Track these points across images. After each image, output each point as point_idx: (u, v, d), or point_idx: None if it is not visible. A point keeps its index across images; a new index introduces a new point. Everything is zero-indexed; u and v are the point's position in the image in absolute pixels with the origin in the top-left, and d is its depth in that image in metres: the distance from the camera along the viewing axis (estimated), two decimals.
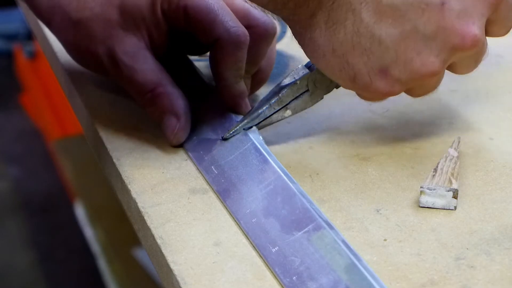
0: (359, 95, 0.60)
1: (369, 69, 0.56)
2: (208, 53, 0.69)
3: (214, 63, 0.62)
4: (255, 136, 0.58)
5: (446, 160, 0.56)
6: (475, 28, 0.55)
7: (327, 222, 0.51)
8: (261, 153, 0.57)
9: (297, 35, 0.58)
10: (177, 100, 0.60)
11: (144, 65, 0.61)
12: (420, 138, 0.61)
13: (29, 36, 2.41)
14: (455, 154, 0.57)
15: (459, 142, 0.58)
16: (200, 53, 0.68)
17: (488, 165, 0.58)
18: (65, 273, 1.85)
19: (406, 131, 0.62)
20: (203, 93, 0.64)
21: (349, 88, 0.59)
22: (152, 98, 0.60)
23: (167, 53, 0.64)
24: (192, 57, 0.69)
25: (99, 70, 0.63)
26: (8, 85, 2.50)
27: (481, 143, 0.60)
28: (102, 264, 1.67)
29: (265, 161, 0.56)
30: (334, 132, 0.62)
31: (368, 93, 0.58)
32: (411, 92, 0.59)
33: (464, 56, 0.57)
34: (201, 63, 0.70)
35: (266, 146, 0.58)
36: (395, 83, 0.57)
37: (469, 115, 0.64)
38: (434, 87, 0.59)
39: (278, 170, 0.55)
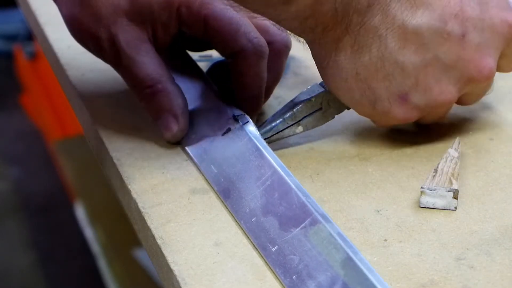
0: (374, 121, 0.61)
1: (390, 94, 0.57)
2: (207, 52, 0.69)
3: (238, 75, 0.62)
4: (250, 130, 0.58)
5: (446, 160, 0.56)
6: (491, 61, 0.57)
7: (323, 215, 0.50)
8: (257, 148, 0.57)
9: (319, 58, 0.59)
10: (177, 99, 0.60)
11: (145, 58, 0.60)
12: (420, 138, 0.61)
13: (29, 36, 2.41)
14: (456, 154, 0.57)
15: (459, 142, 0.58)
16: (198, 50, 0.68)
17: (488, 165, 0.58)
18: (65, 274, 1.86)
19: (406, 132, 0.62)
20: (199, 89, 0.64)
21: (365, 114, 0.60)
22: (151, 94, 0.60)
23: (168, 48, 0.64)
24: (192, 57, 0.69)
25: (98, 53, 0.63)
26: (8, 86, 2.50)
27: (482, 143, 0.60)
28: (102, 264, 1.67)
29: (261, 155, 0.56)
30: (334, 132, 0.62)
31: (386, 118, 0.59)
32: (422, 119, 0.60)
33: (477, 87, 0.59)
34: (202, 63, 0.70)
35: (262, 139, 0.58)
36: (413, 110, 0.58)
37: (469, 116, 0.64)
38: (443, 115, 0.61)
39: (274, 164, 0.55)
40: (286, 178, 0.54)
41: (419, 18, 0.56)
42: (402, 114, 0.58)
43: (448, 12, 0.56)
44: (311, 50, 0.59)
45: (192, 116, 0.61)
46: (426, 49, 0.56)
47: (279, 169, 0.55)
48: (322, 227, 0.50)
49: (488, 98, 0.66)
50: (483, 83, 0.58)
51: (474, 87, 0.58)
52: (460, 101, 0.60)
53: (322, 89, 0.61)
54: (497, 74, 0.59)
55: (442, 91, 0.57)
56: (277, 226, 0.51)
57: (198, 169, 0.58)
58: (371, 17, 0.56)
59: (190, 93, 0.63)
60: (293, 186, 0.53)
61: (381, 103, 0.58)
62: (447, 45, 0.56)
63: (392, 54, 0.56)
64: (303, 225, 0.50)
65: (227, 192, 0.55)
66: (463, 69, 0.57)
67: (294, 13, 0.55)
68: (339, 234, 0.49)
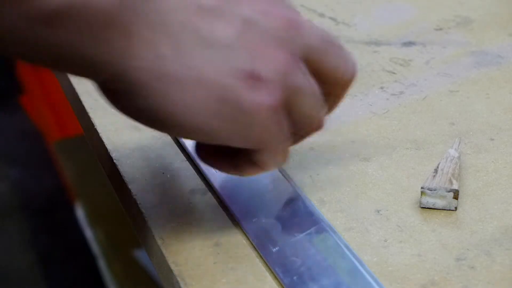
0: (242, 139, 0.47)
1: (235, 79, 0.45)
2: None
3: None
4: None
5: (446, 160, 0.56)
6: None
7: (330, 226, 0.51)
8: None
9: (129, 83, 0.44)
10: None
11: None
12: (421, 138, 0.61)
13: None
14: (456, 154, 0.57)
15: (459, 142, 0.58)
16: None
17: (488, 165, 0.58)
18: (65, 274, 1.85)
19: (406, 132, 0.62)
20: None
21: (220, 134, 0.46)
22: None
23: None
24: None
25: None
26: (9, 86, 2.50)
27: (482, 143, 0.60)
28: (103, 265, 1.67)
29: None
30: (334, 132, 0.62)
31: (249, 123, 0.46)
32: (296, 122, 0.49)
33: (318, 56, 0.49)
34: None
35: None
36: (271, 88, 0.46)
37: (469, 116, 0.64)
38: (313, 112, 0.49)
39: (280, 173, 0.55)
40: (293, 187, 0.54)
41: None
42: (267, 98, 0.45)
43: None
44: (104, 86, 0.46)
45: None
46: (229, 16, 0.46)
47: (285, 179, 0.55)
48: (328, 236, 0.50)
49: (489, 98, 0.66)
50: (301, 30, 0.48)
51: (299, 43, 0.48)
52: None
53: None
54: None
55: (275, 52, 0.46)
56: (279, 229, 0.51)
57: (198, 169, 0.57)
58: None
59: None
60: (300, 195, 0.53)
61: (231, 93, 0.45)
62: (243, 4, 0.46)
63: (206, 36, 0.45)
64: (308, 231, 0.50)
65: (227, 192, 0.55)
66: (267, 20, 0.47)
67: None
68: (346, 245, 0.49)
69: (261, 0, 0.47)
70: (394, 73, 0.70)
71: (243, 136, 0.46)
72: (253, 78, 0.45)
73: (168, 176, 0.57)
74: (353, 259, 0.48)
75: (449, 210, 0.53)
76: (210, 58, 0.45)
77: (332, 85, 0.50)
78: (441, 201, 0.53)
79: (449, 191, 0.53)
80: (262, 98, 0.45)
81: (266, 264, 0.49)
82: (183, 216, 0.53)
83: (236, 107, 0.45)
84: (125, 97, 0.45)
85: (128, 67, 0.44)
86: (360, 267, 0.47)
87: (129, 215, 0.57)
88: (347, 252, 0.49)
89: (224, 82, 0.45)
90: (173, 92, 0.44)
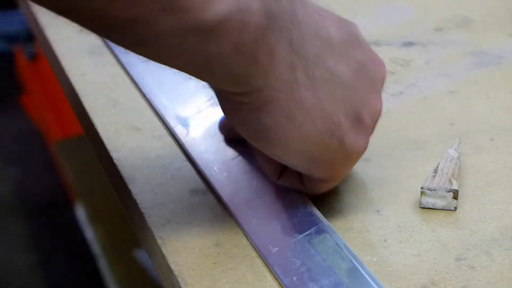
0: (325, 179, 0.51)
1: (348, 120, 0.49)
2: None
3: None
4: None
5: (446, 160, 0.56)
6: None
7: (329, 227, 0.51)
8: None
9: (271, 109, 0.47)
10: None
11: None
12: (421, 138, 0.61)
13: (29, 37, 2.41)
14: (456, 154, 0.57)
15: (459, 142, 0.58)
16: None
17: (488, 166, 0.58)
18: (65, 274, 1.85)
19: (406, 132, 0.62)
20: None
21: (324, 165, 0.50)
22: None
23: None
24: None
25: None
26: (9, 86, 2.51)
27: (482, 143, 0.60)
28: (103, 265, 1.67)
29: None
30: None
31: (343, 159, 0.50)
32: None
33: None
34: None
35: None
36: (367, 132, 0.51)
37: (469, 116, 0.64)
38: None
39: None
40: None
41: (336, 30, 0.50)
42: (363, 142, 0.50)
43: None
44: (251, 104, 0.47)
45: (197, 123, 0.61)
46: (349, 57, 0.49)
47: None
48: (328, 237, 0.50)
49: (489, 98, 0.66)
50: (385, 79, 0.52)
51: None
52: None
53: None
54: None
55: (376, 100, 0.50)
56: (279, 229, 0.51)
57: (199, 169, 0.57)
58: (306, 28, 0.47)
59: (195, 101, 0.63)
60: (299, 195, 0.53)
61: (340, 129, 0.49)
62: (359, 48, 0.50)
63: (332, 71, 0.48)
64: (308, 232, 0.50)
65: (227, 193, 0.55)
66: (374, 68, 0.50)
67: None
68: (345, 246, 0.49)
69: (365, 45, 0.51)
70: (394, 73, 0.70)
71: (329, 168, 0.50)
72: (358, 121, 0.49)
73: (168, 176, 0.57)
74: (353, 260, 0.48)
75: (449, 210, 0.53)
76: (331, 93, 0.48)
77: None
78: (441, 201, 0.53)
79: (449, 191, 0.53)
80: (360, 141, 0.50)
81: (266, 265, 0.49)
82: (183, 216, 0.53)
83: (340, 142, 0.49)
84: (251, 111, 0.47)
85: (268, 85, 0.46)
86: (359, 268, 0.48)
87: (129, 215, 0.57)
88: (347, 253, 0.49)
89: (338, 117, 0.48)
90: (297, 116, 0.47)
